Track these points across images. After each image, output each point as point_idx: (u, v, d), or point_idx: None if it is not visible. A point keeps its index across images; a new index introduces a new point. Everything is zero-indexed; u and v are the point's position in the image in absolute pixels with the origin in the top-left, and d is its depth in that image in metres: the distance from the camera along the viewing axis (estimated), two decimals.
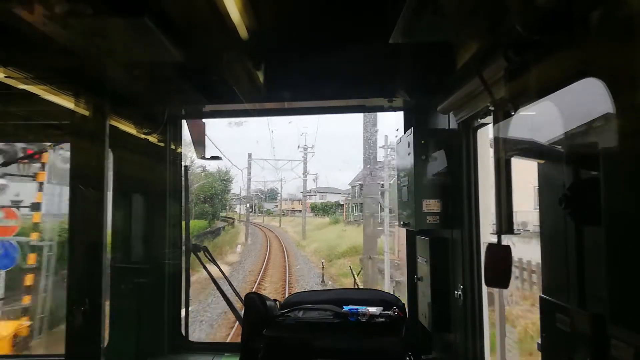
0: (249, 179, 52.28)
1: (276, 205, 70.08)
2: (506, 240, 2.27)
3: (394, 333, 3.11)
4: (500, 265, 2.18)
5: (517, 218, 2.41)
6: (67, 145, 4.43)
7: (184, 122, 4.49)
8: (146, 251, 4.28)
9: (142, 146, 4.18)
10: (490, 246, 2.21)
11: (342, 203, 70.89)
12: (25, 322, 10.20)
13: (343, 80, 3.66)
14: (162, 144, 4.30)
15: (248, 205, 52.83)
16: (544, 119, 2.18)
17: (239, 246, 36.87)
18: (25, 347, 9.77)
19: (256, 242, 42.25)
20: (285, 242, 42.43)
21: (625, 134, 1.45)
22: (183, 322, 4.28)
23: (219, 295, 4.16)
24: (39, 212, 11.01)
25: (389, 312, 3.20)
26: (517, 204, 2.32)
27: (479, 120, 3.00)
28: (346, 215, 61.99)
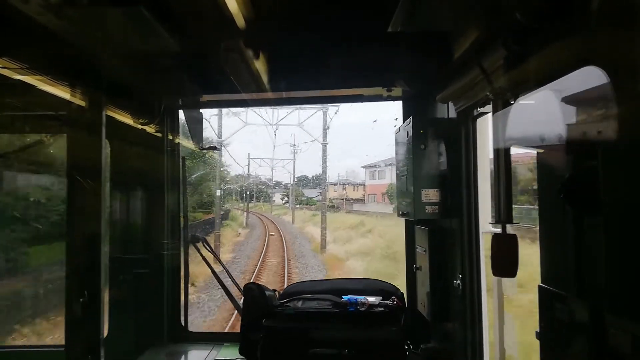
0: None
1: (320, 193, 42.13)
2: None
3: (393, 322, 3.12)
4: (507, 255, 2.18)
5: None
6: None
7: (181, 113, 4.47)
8: (145, 242, 4.28)
9: (139, 137, 4.15)
10: (496, 236, 2.20)
11: None
12: None
13: (342, 70, 3.62)
14: (159, 135, 4.27)
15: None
16: (544, 107, 2.17)
17: None
18: None
19: None
20: None
21: (626, 123, 1.44)
22: (182, 312, 4.30)
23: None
24: None
25: (388, 302, 3.21)
26: None
27: (478, 109, 2.97)
28: None
